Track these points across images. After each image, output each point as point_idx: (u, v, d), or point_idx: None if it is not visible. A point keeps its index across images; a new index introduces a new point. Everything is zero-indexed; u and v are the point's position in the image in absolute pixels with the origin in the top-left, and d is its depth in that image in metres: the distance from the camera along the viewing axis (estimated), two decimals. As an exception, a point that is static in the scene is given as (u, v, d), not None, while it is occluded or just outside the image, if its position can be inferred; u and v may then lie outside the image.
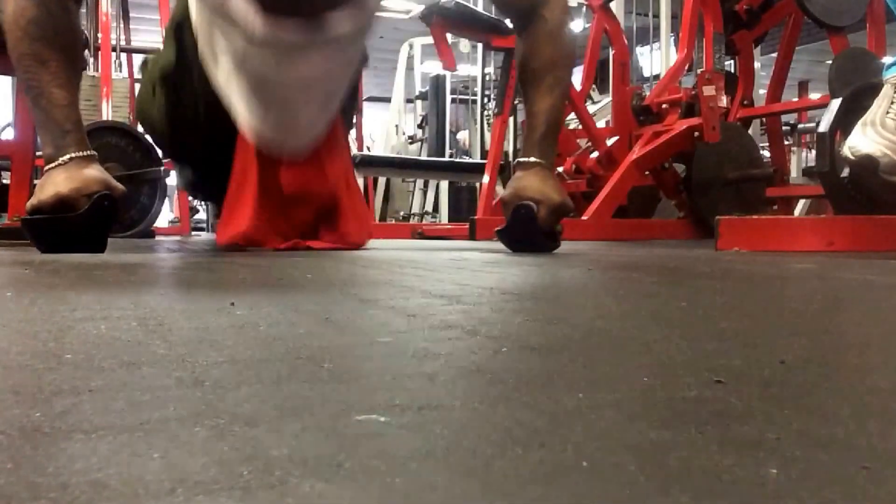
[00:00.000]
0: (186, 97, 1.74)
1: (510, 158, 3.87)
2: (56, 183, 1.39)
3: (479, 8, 4.53)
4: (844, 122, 2.04)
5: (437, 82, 7.58)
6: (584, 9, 6.25)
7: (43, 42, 1.42)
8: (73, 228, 1.40)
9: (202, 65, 1.69)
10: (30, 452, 0.24)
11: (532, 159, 1.63)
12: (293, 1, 1.53)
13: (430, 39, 3.80)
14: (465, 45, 6.41)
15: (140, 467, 0.22)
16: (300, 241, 1.74)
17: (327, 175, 1.79)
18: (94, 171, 1.44)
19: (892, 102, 1.67)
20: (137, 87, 5.31)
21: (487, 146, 5.68)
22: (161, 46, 1.90)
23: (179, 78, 1.73)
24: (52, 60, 1.43)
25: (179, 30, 1.72)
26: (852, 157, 1.69)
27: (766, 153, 3.83)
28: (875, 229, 1.78)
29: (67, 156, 1.41)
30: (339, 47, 1.68)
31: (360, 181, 4.94)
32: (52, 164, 1.41)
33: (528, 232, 1.61)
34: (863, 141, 1.66)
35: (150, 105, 1.81)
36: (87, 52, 2.36)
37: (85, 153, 1.44)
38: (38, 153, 2.39)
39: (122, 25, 4.73)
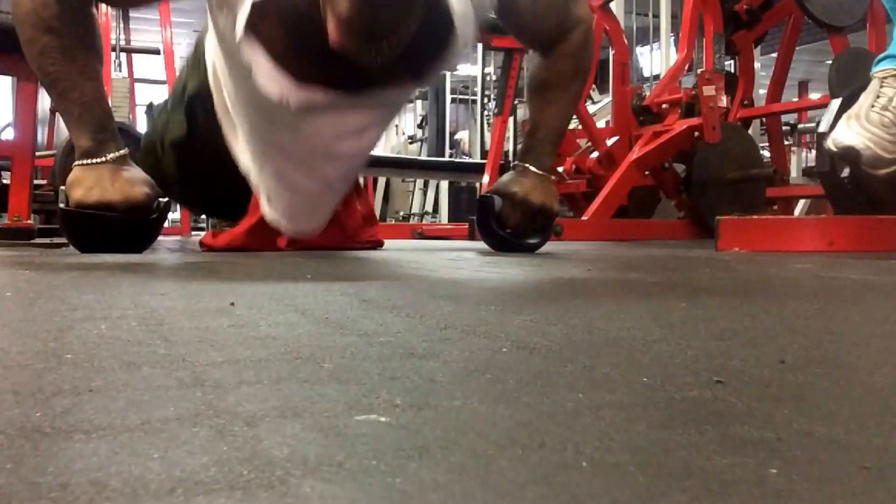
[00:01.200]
0: (198, 166, 1.69)
1: (510, 158, 3.86)
2: (102, 182, 1.36)
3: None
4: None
5: (437, 82, 7.57)
6: (584, 9, 6.24)
7: (70, 37, 1.38)
8: (120, 231, 1.38)
9: (220, 141, 1.56)
10: (30, 452, 0.24)
11: (520, 164, 1.63)
12: (343, 74, 1.30)
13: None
14: (465, 45, 6.39)
15: (140, 467, 0.22)
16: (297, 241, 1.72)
17: (345, 228, 1.74)
18: (140, 174, 1.42)
19: (878, 97, 1.67)
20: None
21: (487, 146, 5.68)
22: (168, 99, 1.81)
23: (190, 150, 1.67)
24: (80, 52, 1.39)
25: (192, 105, 1.64)
26: (835, 149, 1.69)
27: (766, 153, 3.83)
28: (875, 229, 1.78)
29: (111, 154, 1.38)
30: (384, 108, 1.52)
31: (360, 181, 4.93)
32: (93, 161, 1.38)
33: (483, 223, 1.64)
34: (846, 133, 1.66)
35: (157, 156, 1.73)
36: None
37: (124, 152, 1.41)
38: (37, 153, 2.39)
39: (121, 25, 4.73)
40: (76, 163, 1.40)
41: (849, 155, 1.66)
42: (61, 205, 1.39)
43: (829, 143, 1.71)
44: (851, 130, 1.65)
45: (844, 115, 1.70)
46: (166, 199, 1.46)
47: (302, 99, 1.30)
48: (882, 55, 1.75)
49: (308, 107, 1.32)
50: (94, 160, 1.38)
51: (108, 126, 1.41)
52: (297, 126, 1.38)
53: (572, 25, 1.59)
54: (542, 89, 1.65)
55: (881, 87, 1.68)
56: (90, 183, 1.36)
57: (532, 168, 1.60)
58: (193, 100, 1.64)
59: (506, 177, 1.65)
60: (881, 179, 1.70)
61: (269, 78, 1.27)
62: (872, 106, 1.65)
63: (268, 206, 1.51)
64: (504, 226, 1.62)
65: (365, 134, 1.48)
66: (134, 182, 1.39)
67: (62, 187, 1.41)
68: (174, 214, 4.73)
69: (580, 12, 1.61)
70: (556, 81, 1.63)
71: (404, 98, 1.66)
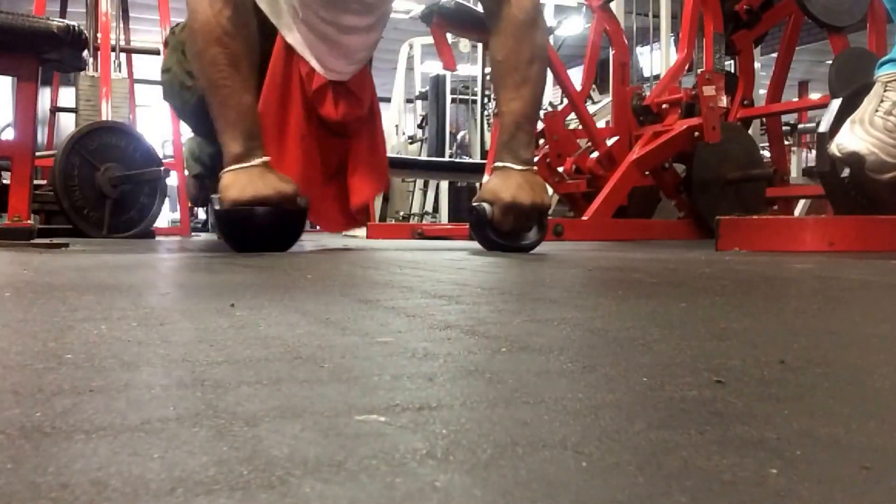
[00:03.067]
0: None
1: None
2: (254, 181, 1.48)
3: (480, 8, 4.52)
4: (844, 122, 2.04)
5: (437, 82, 7.57)
6: (584, 9, 6.25)
7: (238, 43, 1.51)
8: (273, 222, 1.49)
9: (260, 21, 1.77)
10: (30, 452, 0.24)
11: (499, 164, 1.64)
12: None
13: (430, 39, 3.80)
14: (465, 45, 6.40)
15: (140, 467, 0.22)
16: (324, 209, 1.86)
17: (362, 101, 1.87)
18: (284, 177, 1.54)
19: (882, 101, 1.67)
20: (137, 86, 5.31)
21: (487, 146, 5.67)
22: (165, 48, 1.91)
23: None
24: (243, 62, 1.52)
25: None
26: (839, 155, 1.69)
27: (767, 153, 3.83)
28: (875, 229, 1.78)
29: (259, 160, 1.51)
30: None
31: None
32: (243, 165, 1.50)
33: (479, 232, 1.65)
34: (850, 138, 1.66)
35: (178, 70, 1.83)
36: (86, 52, 2.36)
37: (268, 158, 1.53)
38: (37, 153, 2.39)
39: (121, 25, 4.73)
40: (226, 169, 1.52)
41: (854, 160, 1.66)
42: (216, 207, 1.50)
43: (834, 149, 1.71)
44: (856, 136, 1.65)
45: (848, 120, 1.70)
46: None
47: None
48: (885, 59, 1.75)
49: None
50: (244, 164, 1.51)
51: (258, 134, 1.54)
52: None
53: None
54: (503, 77, 1.67)
55: (885, 91, 1.68)
56: (243, 183, 1.49)
57: (513, 166, 1.61)
58: None
59: (491, 181, 1.65)
60: (885, 183, 1.70)
61: None
62: (876, 111, 1.65)
63: (310, 57, 1.75)
64: (499, 231, 1.62)
65: None
66: (281, 178, 1.53)
67: (214, 196, 1.52)
68: (174, 214, 4.73)
69: None
70: (513, 66, 1.65)
71: None
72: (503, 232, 1.62)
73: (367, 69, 1.92)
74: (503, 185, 1.60)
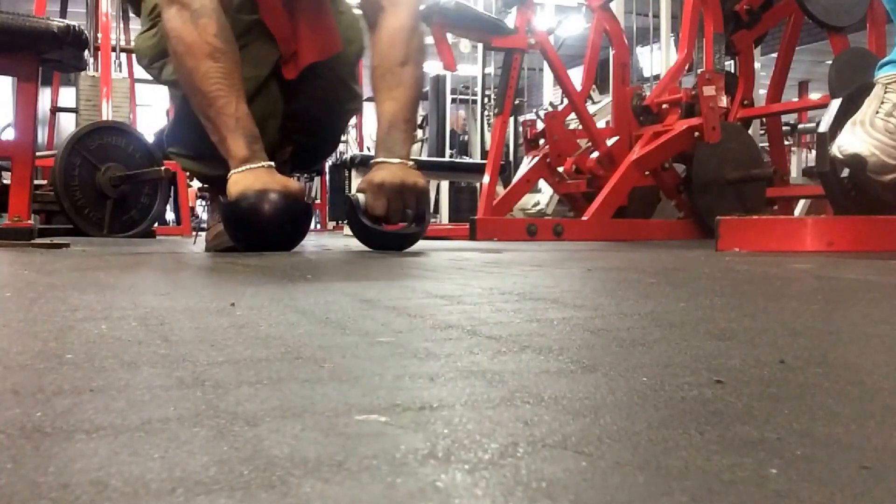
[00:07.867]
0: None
1: (510, 158, 3.84)
2: (262, 178, 1.51)
3: (480, 8, 4.53)
4: (844, 122, 2.04)
5: (437, 82, 7.56)
6: (584, 9, 6.24)
7: (229, 57, 1.54)
8: (279, 215, 1.50)
9: None
10: (31, 452, 0.24)
11: (376, 160, 1.69)
12: None
13: (430, 39, 3.79)
14: (465, 45, 6.40)
15: (141, 467, 0.22)
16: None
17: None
18: (290, 178, 1.59)
19: (882, 102, 1.67)
20: (137, 86, 5.31)
21: (487, 146, 5.67)
22: None
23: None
24: (235, 73, 1.55)
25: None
26: (841, 156, 1.69)
27: (766, 153, 3.83)
28: (875, 229, 1.78)
29: (265, 162, 1.55)
30: None
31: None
32: (250, 166, 1.53)
33: (354, 221, 1.67)
34: (852, 140, 1.66)
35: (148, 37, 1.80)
36: (87, 51, 2.35)
37: (273, 164, 1.57)
38: (37, 153, 2.39)
39: (121, 25, 4.73)
40: (232, 171, 1.54)
41: (855, 162, 1.66)
42: (223, 202, 1.53)
43: (835, 151, 1.71)
44: (857, 137, 1.65)
45: (849, 122, 1.70)
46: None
47: None
48: (885, 60, 1.74)
49: None
50: (252, 165, 1.54)
51: (259, 138, 1.57)
52: None
53: None
54: (378, 80, 1.73)
55: (885, 92, 1.68)
56: (251, 180, 1.51)
57: (387, 160, 1.66)
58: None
59: (366, 175, 1.69)
60: (885, 185, 1.70)
61: None
62: (877, 112, 1.65)
63: None
64: (374, 217, 1.64)
65: None
66: (287, 178, 1.57)
67: (221, 198, 1.55)
68: (173, 215, 4.74)
69: None
70: (388, 69, 1.72)
71: None
72: (378, 217, 1.64)
73: None
74: (375, 173, 1.66)
